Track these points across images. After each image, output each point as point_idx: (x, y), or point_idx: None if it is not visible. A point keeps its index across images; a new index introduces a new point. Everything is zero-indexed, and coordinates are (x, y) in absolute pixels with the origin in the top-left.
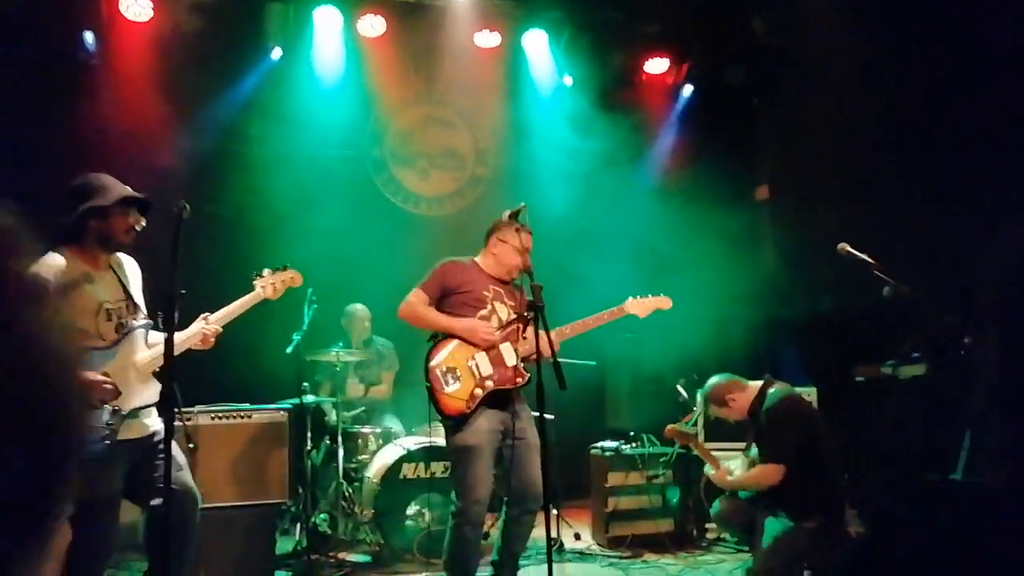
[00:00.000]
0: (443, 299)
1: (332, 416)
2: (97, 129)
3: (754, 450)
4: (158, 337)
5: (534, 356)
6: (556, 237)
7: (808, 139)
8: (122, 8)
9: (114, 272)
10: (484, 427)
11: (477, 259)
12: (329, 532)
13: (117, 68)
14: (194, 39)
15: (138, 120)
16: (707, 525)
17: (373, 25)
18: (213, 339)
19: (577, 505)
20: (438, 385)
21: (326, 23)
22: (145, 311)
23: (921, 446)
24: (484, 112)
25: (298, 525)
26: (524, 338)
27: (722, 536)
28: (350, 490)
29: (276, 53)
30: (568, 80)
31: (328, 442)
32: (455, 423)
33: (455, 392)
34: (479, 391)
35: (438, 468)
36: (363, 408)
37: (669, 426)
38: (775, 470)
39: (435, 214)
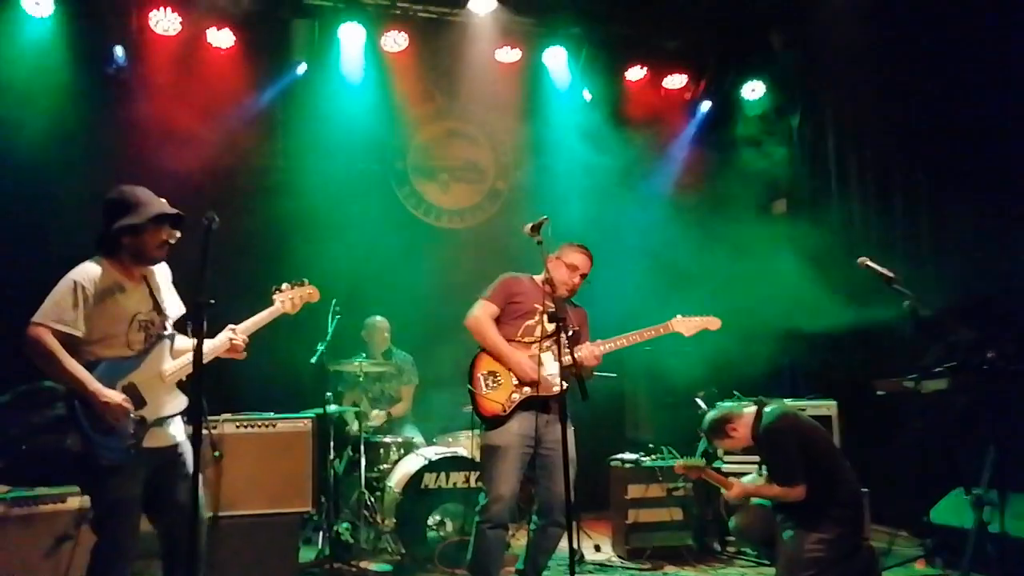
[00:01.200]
0: (503, 308)
1: (354, 426)
2: (126, 141)
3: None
4: (185, 345)
5: (574, 366)
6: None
7: (827, 153)
8: (151, 23)
9: (146, 283)
10: (515, 430)
11: (536, 277)
12: (351, 541)
13: (146, 81)
14: (221, 54)
15: (166, 132)
16: (728, 538)
17: (396, 41)
18: (244, 349)
19: (597, 517)
20: (478, 388)
21: (350, 39)
22: (172, 319)
23: (943, 460)
24: (505, 127)
25: (320, 534)
26: (567, 350)
27: (742, 549)
28: (372, 499)
29: (302, 68)
30: (587, 95)
31: (350, 452)
32: (490, 424)
33: (493, 395)
34: (516, 396)
35: (459, 478)
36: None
37: (677, 463)
38: (796, 491)
39: (456, 227)
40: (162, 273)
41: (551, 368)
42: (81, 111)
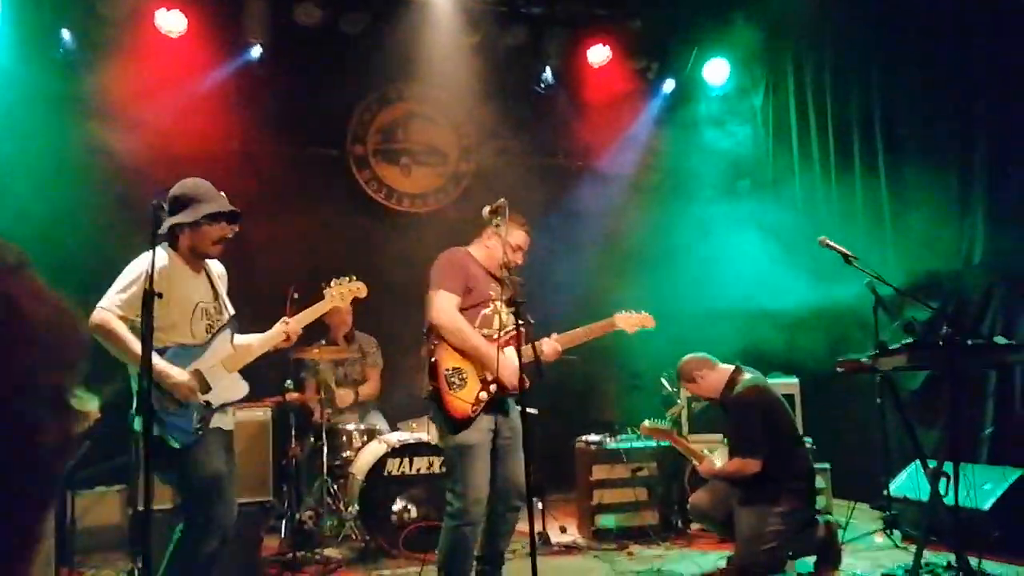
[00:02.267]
0: None
1: (318, 413)
2: (76, 125)
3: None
4: (245, 339)
5: (537, 360)
6: (537, 232)
7: (789, 131)
8: (98, 4)
9: (206, 274)
10: (484, 426)
11: (471, 250)
12: (315, 529)
13: (95, 64)
14: (172, 35)
15: (116, 116)
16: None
17: (354, 22)
18: (295, 338)
19: (563, 498)
20: (444, 387)
21: (306, 20)
22: (231, 311)
23: (902, 435)
24: (466, 109)
25: (283, 522)
26: (527, 341)
27: (706, 527)
28: (335, 487)
29: (256, 51)
30: (550, 75)
31: (313, 439)
32: (459, 425)
33: (461, 395)
34: (484, 395)
35: (422, 464)
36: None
37: (644, 424)
38: (753, 463)
39: (418, 210)
40: (218, 272)
41: (516, 364)
42: (29, 95)
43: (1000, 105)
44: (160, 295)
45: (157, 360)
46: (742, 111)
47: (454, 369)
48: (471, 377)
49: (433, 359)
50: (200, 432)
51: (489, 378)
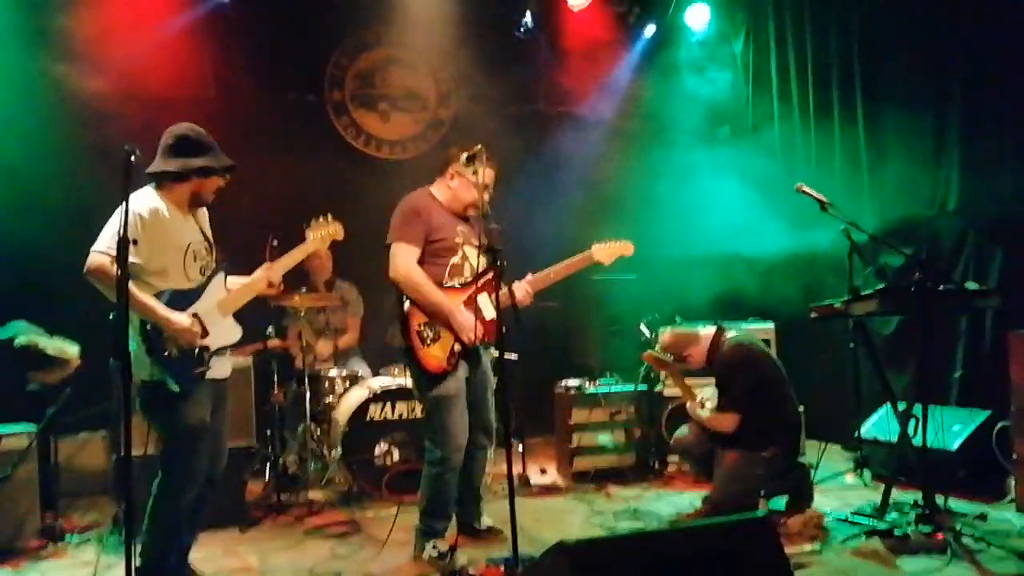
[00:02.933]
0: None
1: (300, 360)
2: (48, 68)
3: None
4: (236, 280)
5: (511, 305)
6: (517, 180)
7: (769, 77)
8: None
9: (192, 215)
10: (461, 375)
11: (433, 191)
12: (298, 473)
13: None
14: None
15: (88, 61)
16: (668, 458)
17: None
18: (278, 283)
19: (543, 441)
20: (417, 342)
21: None
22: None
23: (873, 378)
24: (445, 54)
25: (267, 466)
26: (498, 287)
27: (682, 468)
28: (318, 432)
29: None
30: (530, 20)
31: (295, 385)
32: (436, 378)
33: (435, 350)
34: (458, 347)
35: (404, 409)
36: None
37: (647, 352)
38: (730, 419)
39: (397, 157)
40: (202, 212)
41: (489, 313)
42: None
43: (977, 54)
44: (135, 242)
45: (159, 306)
46: (722, 57)
47: (425, 324)
48: (444, 331)
49: (405, 314)
50: (201, 375)
51: (464, 342)
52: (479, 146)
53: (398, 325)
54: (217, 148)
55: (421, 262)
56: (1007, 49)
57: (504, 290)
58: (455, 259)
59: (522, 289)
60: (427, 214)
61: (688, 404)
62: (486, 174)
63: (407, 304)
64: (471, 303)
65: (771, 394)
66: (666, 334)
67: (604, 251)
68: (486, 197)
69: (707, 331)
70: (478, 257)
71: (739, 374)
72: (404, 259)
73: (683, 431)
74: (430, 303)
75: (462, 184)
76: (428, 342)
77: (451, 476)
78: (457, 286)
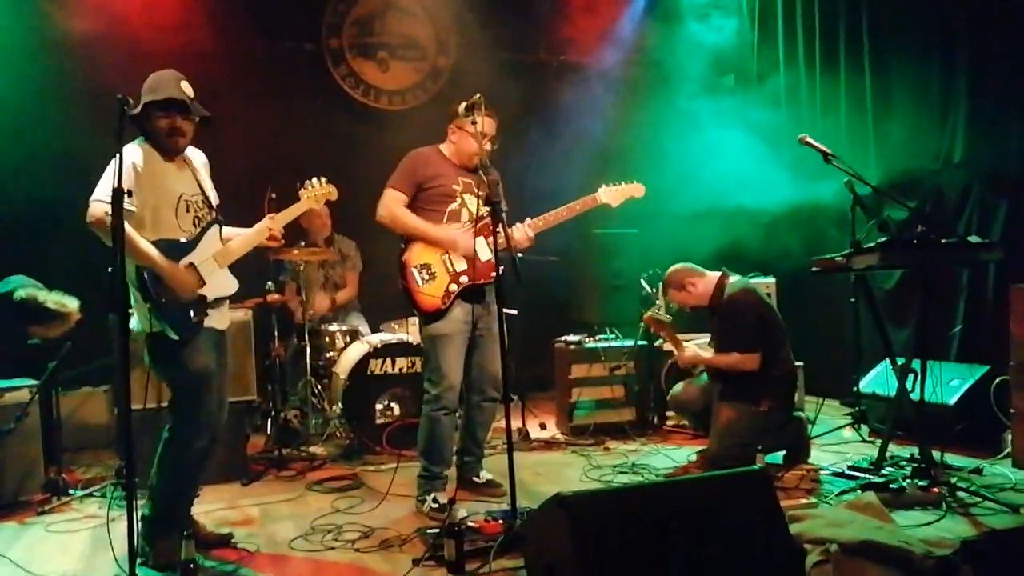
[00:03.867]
0: (415, 195)
1: (299, 315)
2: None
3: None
4: (232, 231)
5: (509, 249)
6: (517, 130)
7: (776, 25)
8: None
9: (188, 167)
10: (458, 317)
11: (441, 147)
12: (300, 427)
13: None
14: None
15: (81, 10)
16: (667, 413)
17: None
18: (280, 238)
19: (543, 396)
20: (413, 283)
21: None
22: (216, 200)
23: (873, 333)
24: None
25: (269, 421)
26: (497, 232)
27: (681, 423)
28: (319, 387)
29: None
30: None
31: (296, 340)
32: (431, 317)
33: (430, 289)
34: (454, 287)
35: (404, 364)
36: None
37: (647, 314)
38: (752, 358)
39: (397, 107)
40: (200, 161)
41: (485, 255)
42: None
43: (985, 5)
44: (130, 192)
45: (156, 255)
46: (727, 4)
47: (423, 265)
48: (440, 271)
49: (403, 257)
50: (199, 323)
51: (459, 270)
52: (478, 95)
53: (398, 267)
54: (158, 87)
55: (418, 208)
56: (1015, 2)
57: (502, 235)
58: (453, 205)
59: (521, 231)
60: (424, 164)
61: (684, 354)
62: (486, 124)
63: (407, 247)
64: (469, 232)
65: (773, 343)
66: (674, 266)
67: (612, 193)
68: (487, 147)
69: (713, 273)
70: (478, 205)
71: (751, 315)
72: (387, 200)
73: (679, 387)
74: (412, 229)
75: (462, 137)
76: (423, 282)
77: (444, 416)
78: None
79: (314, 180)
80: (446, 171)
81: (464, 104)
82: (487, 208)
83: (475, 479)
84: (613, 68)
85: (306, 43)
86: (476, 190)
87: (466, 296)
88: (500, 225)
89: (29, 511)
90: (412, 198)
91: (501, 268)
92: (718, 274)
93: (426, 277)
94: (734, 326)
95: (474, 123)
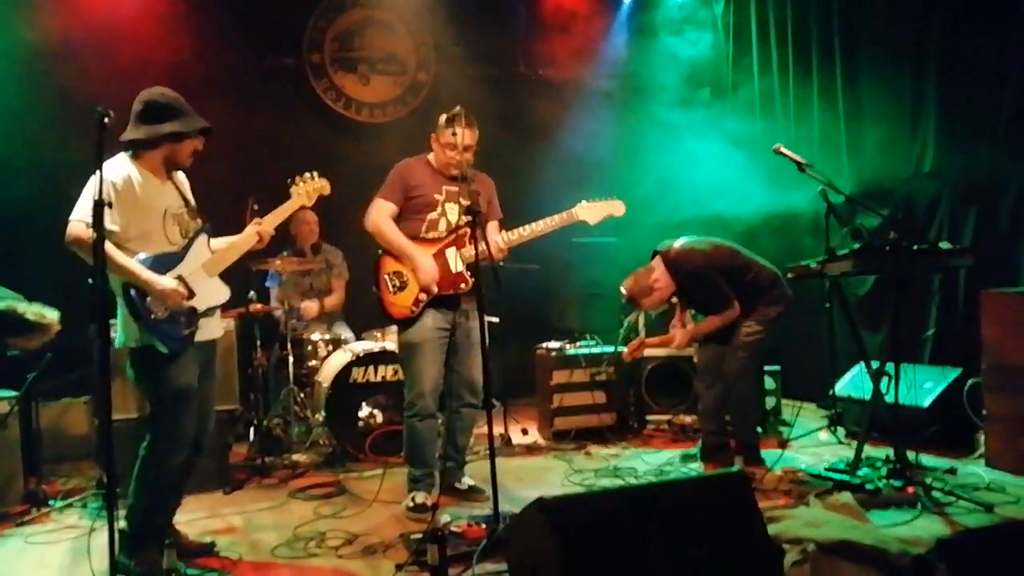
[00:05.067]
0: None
1: (283, 324)
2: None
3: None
4: (220, 242)
5: (481, 261)
6: (496, 143)
7: (750, 39)
8: None
9: (171, 180)
10: (429, 325)
11: (429, 157)
12: (282, 435)
13: None
14: None
15: (64, 29)
16: (647, 418)
17: None
18: (267, 239)
19: (525, 403)
20: (385, 290)
21: None
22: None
23: (848, 338)
24: (424, 15)
25: (252, 429)
26: (470, 243)
27: (661, 427)
28: (302, 395)
29: None
30: None
31: (279, 349)
32: (403, 324)
33: (400, 297)
34: (423, 296)
35: (387, 372)
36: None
37: (624, 354)
38: (732, 311)
39: (378, 120)
40: (180, 176)
41: (456, 267)
42: None
43: (956, 17)
44: (110, 204)
45: (142, 270)
46: (703, 18)
47: (395, 272)
48: (411, 280)
49: (377, 263)
50: (190, 337)
51: (423, 288)
52: (459, 108)
53: (372, 273)
54: (190, 111)
55: (402, 217)
56: (985, 13)
57: (468, 248)
58: (432, 215)
59: (495, 245)
60: (409, 173)
61: (678, 341)
62: (465, 135)
63: (382, 255)
64: (440, 255)
65: (740, 273)
66: (626, 282)
67: (590, 210)
68: (468, 157)
69: (653, 262)
70: (459, 215)
71: (707, 270)
72: (375, 211)
73: (699, 389)
74: (395, 248)
75: (437, 148)
76: (394, 290)
77: (420, 423)
78: (429, 239)
79: (306, 175)
80: (430, 180)
81: (445, 116)
82: (466, 218)
83: (457, 485)
84: (591, 82)
85: (287, 57)
86: (460, 199)
87: (439, 303)
88: (477, 235)
89: (8, 523)
90: (402, 207)
91: (472, 278)
92: (657, 259)
93: (397, 285)
94: (706, 292)
95: (454, 134)
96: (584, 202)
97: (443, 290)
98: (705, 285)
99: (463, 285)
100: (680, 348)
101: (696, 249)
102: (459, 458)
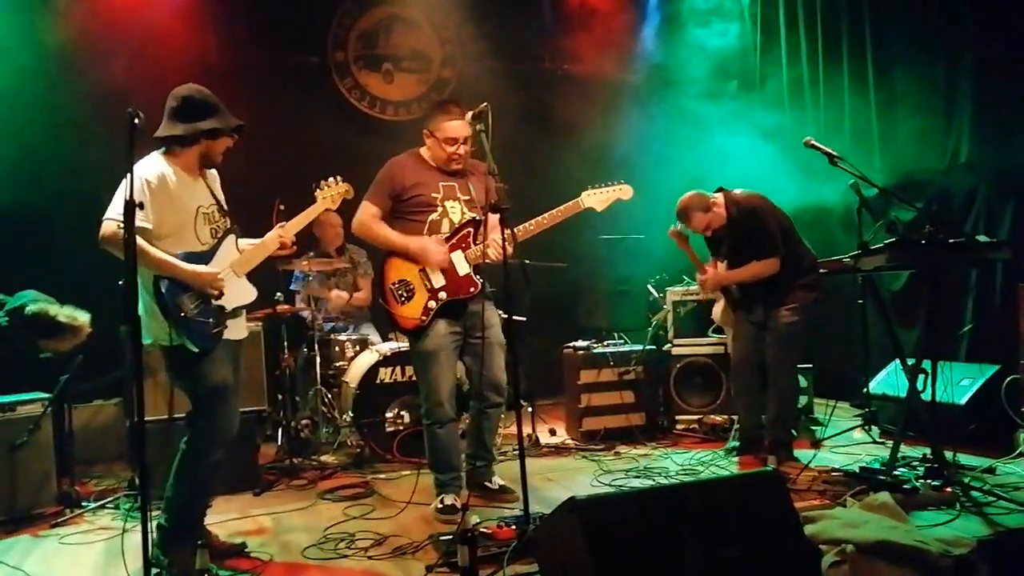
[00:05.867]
0: (395, 205)
1: (310, 320)
2: (51, 43)
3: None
4: (247, 243)
5: (485, 262)
6: (522, 139)
7: (778, 30)
8: None
9: (203, 179)
10: (442, 331)
11: (422, 151)
12: (310, 437)
13: None
14: None
15: (90, 31)
16: (677, 417)
17: None
18: (292, 245)
19: (552, 403)
20: (391, 302)
21: None
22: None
23: (882, 335)
24: (448, 12)
25: (280, 430)
26: (475, 244)
27: (690, 427)
28: (329, 396)
29: None
30: None
31: (306, 350)
32: (414, 334)
33: (409, 308)
34: (432, 304)
35: (413, 372)
36: (341, 316)
37: (672, 228)
38: (772, 263)
39: (402, 118)
40: (212, 174)
41: (463, 269)
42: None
43: (990, 4)
44: (141, 205)
45: (178, 262)
46: (730, 9)
47: (400, 282)
48: (418, 288)
49: (381, 273)
50: (219, 335)
51: (437, 285)
52: (484, 104)
53: (378, 284)
54: (223, 108)
55: (398, 219)
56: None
57: (478, 249)
58: (433, 216)
59: (494, 245)
60: (401, 174)
61: (709, 284)
62: (452, 127)
63: (384, 263)
64: (440, 241)
65: (789, 241)
66: (683, 197)
67: (595, 197)
68: (461, 151)
69: (717, 194)
70: (461, 213)
71: (769, 217)
72: (360, 214)
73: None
74: (390, 243)
75: (435, 143)
76: (402, 300)
77: (440, 430)
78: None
79: (330, 179)
80: (425, 178)
81: (470, 112)
82: (477, 217)
83: (487, 484)
84: (617, 76)
85: (312, 56)
86: (459, 194)
87: (447, 309)
88: (506, 232)
89: (43, 524)
90: (391, 210)
91: (480, 282)
92: (720, 193)
93: (403, 295)
94: (754, 232)
95: (481, 131)
96: (590, 189)
97: (452, 296)
98: (758, 227)
99: (472, 288)
100: (707, 292)
101: (760, 196)
102: (488, 456)
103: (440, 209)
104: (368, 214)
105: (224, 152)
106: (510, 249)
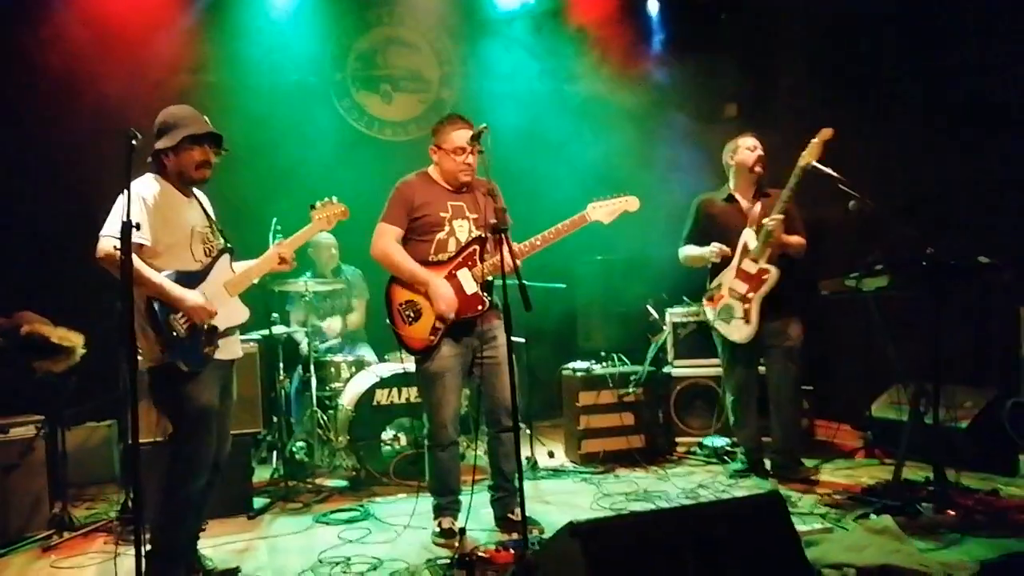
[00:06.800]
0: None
1: (304, 346)
2: (46, 60)
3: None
4: (241, 265)
5: (493, 275)
6: (521, 158)
7: (776, 56)
8: None
9: (197, 201)
10: (448, 353)
11: (430, 171)
12: (306, 459)
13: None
14: None
15: (86, 49)
16: (677, 439)
17: None
18: (291, 261)
19: (551, 424)
20: (399, 323)
21: None
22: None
23: (883, 357)
24: (447, 33)
25: (275, 453)
26: (481, 261)
27: (691, 450)
28: (325, 418)
29: None
30: None
31: (301, 371)
32: (421, 355)
33: (416, 328)
34: (440, 324)
35: (411, 393)
36: (337, 339)
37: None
38: (806, 245)
39: (400, 139)
40: (207, 202)
41: (470, 288)
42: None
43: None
44: (138, 226)
45: (172, 285)
46: (728, 33)
47: (407, 302)
48: (426, 309)
49: (388, 293)
50: (210, 355)
51: (442, 317)
52: (484, 126)
53: (384, 304)
54: (187, 123)
55: (408, 239)
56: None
57: (480, 267)
58: (441, 234)
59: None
60: (411, 193)
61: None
62: (461, 136)
63: (391, 283)
64: (452, 278)
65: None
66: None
67: (602, 209)
68: (471, 160)
69: None
70: (468, 232)
71: None
72: (381, 238)
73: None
74: (406, 275)
75: (444, 156)
76: (409, 320)
77: (442, 454)
78: (440, 261)
79: (326, 199)
80: (434, 198)
81: (442, 122)
82: (483, 235)
83: (511, 516)
84: (616, 96)
85: (310, 76)
86: (468, 213)
87: (455, 329)
88: (506, 252)
89: (35, 547)
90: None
91: (489, 300)
92: None
93: (411, 316)
94: (796, 217)
95: (481, 152)
96: (595, 201)
97: (460, 315)
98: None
99: (480, 307)
100: (778, 234)
101: None
102: (509, 487)
103: (448, 228)
104: (389, 237)
105: (199, 166)
106: (509, 267)
